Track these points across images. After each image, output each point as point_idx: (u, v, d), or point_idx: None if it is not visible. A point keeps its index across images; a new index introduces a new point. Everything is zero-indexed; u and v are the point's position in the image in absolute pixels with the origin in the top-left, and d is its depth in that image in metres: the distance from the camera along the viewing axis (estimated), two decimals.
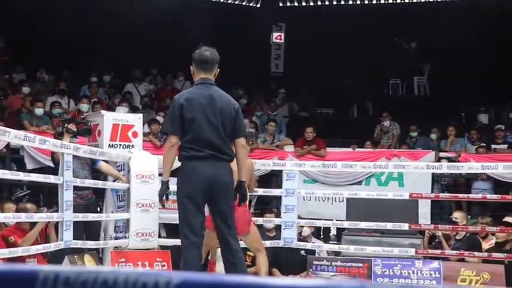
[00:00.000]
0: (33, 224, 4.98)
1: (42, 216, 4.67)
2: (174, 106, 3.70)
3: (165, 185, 3.84)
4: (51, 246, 4.71)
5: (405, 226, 5.70)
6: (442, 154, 8.64)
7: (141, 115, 6.39)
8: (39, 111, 8.13)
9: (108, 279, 0.89)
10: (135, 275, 0.89)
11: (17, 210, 5.01)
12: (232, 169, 3.84)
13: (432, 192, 7.90)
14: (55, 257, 5.09)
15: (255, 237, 5.04)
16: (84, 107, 8.44)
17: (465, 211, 7.09)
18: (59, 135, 5.75)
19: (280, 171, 7.86)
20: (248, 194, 4.33)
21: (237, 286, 0.89)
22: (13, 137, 4.08)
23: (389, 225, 5.76)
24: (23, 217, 4.52)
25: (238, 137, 3.83)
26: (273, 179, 8.57)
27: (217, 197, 3.77)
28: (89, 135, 6.11)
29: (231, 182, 3.83)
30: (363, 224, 5.82)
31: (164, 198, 3.90)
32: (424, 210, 7.61)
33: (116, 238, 5.80)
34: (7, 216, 4.43)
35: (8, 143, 6.98)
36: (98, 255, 5.61)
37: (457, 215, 6.42)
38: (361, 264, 5.74)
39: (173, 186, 6.38)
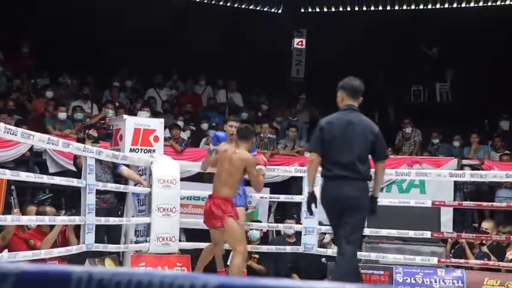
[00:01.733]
0: (53, 227, 5.02)
1: (65, 219, 4.71)
2: (317, 127, 4.13)
3: (310, 195, 4.21)
4: (73, 249, 4.75)
5: (427, 234, 5.62)
6: (464, 161, 8.52)
7: (162, 120, 6.43)
8: (62, 115, 8.22)
9: (142, 281, 0.88)
10: (171, 278, 0.88)
11: (37, 214, 5.04)
12: (361, 186, 4.10)
13: (454, 199, 7.79)
14: (75, 260, 5.13)
15: (235, 234, 4.92)
16: (110, 112, 8.50)
17: (488, 219, 6.97)
18: (80, 142, 5.81)
19: (301, 177, 7.84)
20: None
21: None
22: (37, 140, 4.12)
23: (411, 233, 5.69)
24: (46, 220, 4.56)
25: (379, 161, 4.16)
26: (293, 184, 8.54)
27: (344, 213, 4.04)
28: (110, 140, 6.16)
29: (358, 197, 4.04)
30: (385, 231, 5.76)
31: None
32: (446, 218, 7.50)
33: (137, 242, 5.83)
34: (31, 219, 4.48)
35: (32, 146, 7.06)
36: (119, 259, 5.64)
37: (487, 225, 6.28)
38: (382, 272, 5.69)
39: (186, 191, 6.42)
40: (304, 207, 5.89)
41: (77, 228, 5.10)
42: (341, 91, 4.13)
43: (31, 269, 0.93)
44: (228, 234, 4.90)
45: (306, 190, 5.10)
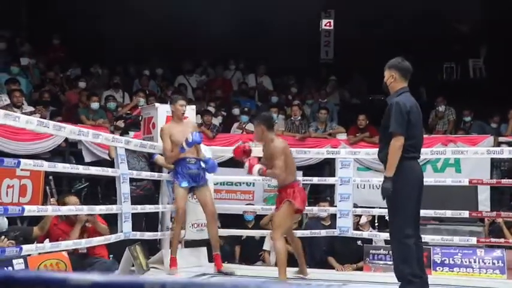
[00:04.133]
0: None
1: (102, 209, 4.78)
2: (402, 110, 3.97)
3: (391, 181, 4.04)
4: (112, 238, 4.82)
5: (465, 213, 5.52)
6: (501, 139, 8.32)
7: (194, 106, 6.42)
8: (95, 105, 8.31)
9: None
10: (243, 285, 0.87)
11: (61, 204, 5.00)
12: None
13: (492, 177, 7.63)
14: (115, 248, 5.21)
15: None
16: (141, 101, 8.57)
17: None
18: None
19: (333, 160, 7.78)
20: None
21: None
22: (69, 132, 4.19)
23: (448, 213, 5.59)
24: (85, 209, 4.64)
25: None
26: (325, 167, 8.50)
27: (421, 194, 4.16)
28: (137, 129, 6.21)
29: None
30: (421, 212, 5.67)
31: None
32: (483, 196, 7.37)
33: (173, 229, 5.88)
34: (70, 209, 4.56)
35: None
36: (143, 246, 5.61)
37: None
38: None
39: (220, 177, 6.44)
40: (339, 190, 5.86)
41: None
42: (394, 71, 4.08)
43: (102, 280, 0.93)
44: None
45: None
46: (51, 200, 5.23)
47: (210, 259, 5.87)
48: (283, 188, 4.98)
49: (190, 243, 5.89)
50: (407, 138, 3.97)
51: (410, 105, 3.99)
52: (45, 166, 4.12)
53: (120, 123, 6.06)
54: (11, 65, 8.72)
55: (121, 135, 5.91)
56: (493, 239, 5.67)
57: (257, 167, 4.94)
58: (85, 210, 4.65)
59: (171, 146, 5.33)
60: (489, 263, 5.36)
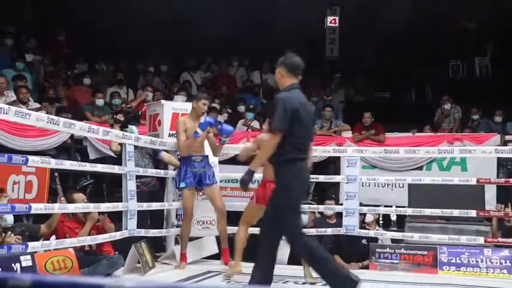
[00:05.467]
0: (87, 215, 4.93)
1: (109, 206, 4.76)
2: (286, 107, 3.77)
3: (252, 174, 3.93)
4: (117, 235, 4.80)
5: (473, 213, 5.49)
6: (508, 137, 8.29)
7: None
8: (100, 101, 8.29)
9: None
10: None
11: (67, 201, 4.95)
12: None
13: (498, 176, 7.60)
14: (120, 245, 5.19)
15: None
16: (150, 95, 8.59)
17: None
18: (111, 127, 5.87)
19: (338, 158, 7.74)
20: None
21: None
22: (78, 129, 4.16)
23: (455, 212, 5.56)
24: (91, 207, 4.62)
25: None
26: (330, 165, 8.46)
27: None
28: (137, 123, 6.20)
29: None
30: (428, 211, 5.65)
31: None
32: (489, 195, 7.32)
33: (178, 226, 5.87)
34: (77, 207, 4.54)
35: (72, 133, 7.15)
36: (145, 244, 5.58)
37: None
38: (426, 252, 5.58)
39: (224, 174, 6.43)
40: (345, 189, 5.83)
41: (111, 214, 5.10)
42: (281, 68, 3.98)
43: (138, 286, 0.90)
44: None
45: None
46: (62, 198, 5.19)
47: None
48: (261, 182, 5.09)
49: (194, 240, 5.88)
50: (295, 137, 3.79)
51: (298, 102, 3.83)
52: (53, 163, 4.10)
53: (120, 117, 6.02)
54: (16, 61, 8.70)
55: (121, 128, 5.89)
56: (500, 239, 5.64)
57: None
58: (91, 208, 4.62)
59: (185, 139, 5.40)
60: (496, 263, 5.33)
